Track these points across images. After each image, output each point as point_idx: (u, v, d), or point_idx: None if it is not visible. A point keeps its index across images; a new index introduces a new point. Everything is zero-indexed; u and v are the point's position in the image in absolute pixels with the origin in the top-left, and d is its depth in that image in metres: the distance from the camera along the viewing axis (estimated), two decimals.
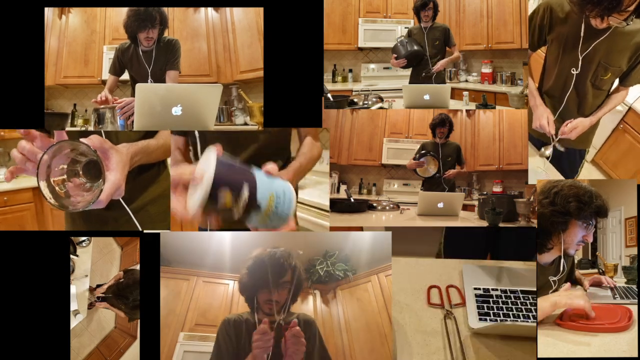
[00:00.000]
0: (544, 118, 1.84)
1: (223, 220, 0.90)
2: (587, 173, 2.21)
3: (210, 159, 0.89)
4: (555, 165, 1.94)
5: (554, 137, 1.86)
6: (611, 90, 1.89)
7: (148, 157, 1.27)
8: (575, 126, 1.83)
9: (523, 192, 2.36)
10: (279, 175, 1.02)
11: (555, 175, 1.92)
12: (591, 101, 1.87)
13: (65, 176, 0.87)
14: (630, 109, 2.66)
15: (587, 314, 1.32)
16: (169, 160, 1.51)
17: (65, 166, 0.87)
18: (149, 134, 1.43)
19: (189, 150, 1.46)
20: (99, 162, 0.89)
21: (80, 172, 0.89)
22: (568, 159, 2.00)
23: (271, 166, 1.01)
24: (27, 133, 0.93)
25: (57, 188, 0.85)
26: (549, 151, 1.88)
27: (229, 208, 0.87)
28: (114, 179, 0.95)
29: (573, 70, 1.80)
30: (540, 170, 1.90)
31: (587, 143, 2.03)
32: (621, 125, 2.74)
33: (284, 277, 1.21)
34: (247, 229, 1.01)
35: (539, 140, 2.00)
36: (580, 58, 1.78)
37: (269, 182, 0.98)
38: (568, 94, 1.85)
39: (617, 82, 1.87)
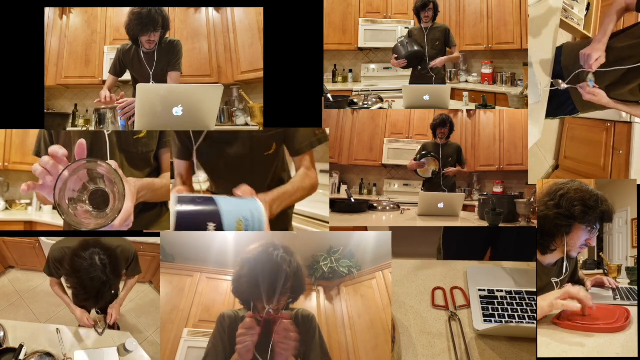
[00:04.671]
0: (597, 54, 1.58)
1: None
2: (546, 124, 1.93)
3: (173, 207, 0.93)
4: (551, 95, 1.78)
5: (587, 75, 1.64)
6: None
7: (153, 195, 1.29)
8: (596, 94, 1.64)
9: (523, 193, 2.37)
10: (252, 196, 1.07)
11: (542, 102, 1.76)
12: (625, 92, 1.67)
13: (75, 196, 0.90)
14: (631, 123, 2.47)
15: (585, 304, 1.30)
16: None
17: (76, 190, 0.90)
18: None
19: (192, 175, 1.45)
20: (115, 184, 0.90)
21: (87, 201, 0.91)
22: (563, 105, 1.84)
23: (243, 189, 1.08)
24: (54, 153, 0.91)
25: (69, 209, 0.88)
26: (566, 85, 1.72)
27: None
28: (127, 207, 0.95)
29: None
30: (537, 87, 1.76)
31: (585, 110, 1.85)
32: (609, 124, 2.54)
33: (285, 285, 1.16)
34: None
35: (561, 71, 1.79)
36: None
37: (237, 206, 1.02)
38: (618, 67, 1.62)
39: None
